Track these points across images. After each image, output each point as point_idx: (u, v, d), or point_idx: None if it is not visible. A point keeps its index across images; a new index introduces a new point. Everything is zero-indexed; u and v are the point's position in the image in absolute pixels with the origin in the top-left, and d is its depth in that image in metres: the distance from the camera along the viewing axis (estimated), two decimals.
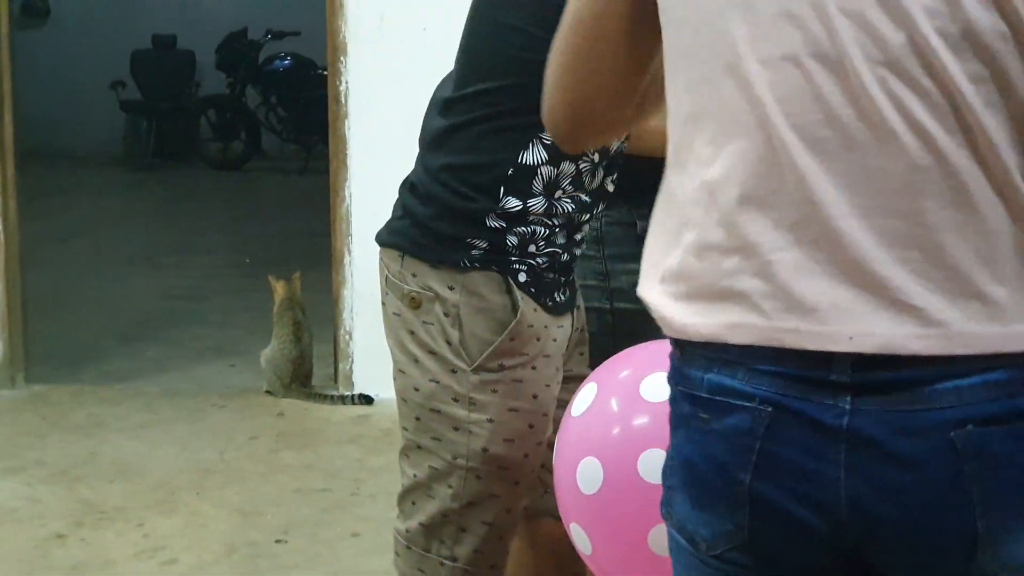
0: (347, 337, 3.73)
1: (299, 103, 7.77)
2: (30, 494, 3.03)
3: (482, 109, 1.48)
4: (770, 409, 0.66)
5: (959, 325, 0.63)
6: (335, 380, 3.77)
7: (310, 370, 3.79)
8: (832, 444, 0.65)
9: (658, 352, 1.13)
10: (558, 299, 1.52)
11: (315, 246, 4.46)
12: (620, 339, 1.55)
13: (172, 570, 2.61)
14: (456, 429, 1.49)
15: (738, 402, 0.67)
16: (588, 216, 1.56)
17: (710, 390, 0.68)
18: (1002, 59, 0.60)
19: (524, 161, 1.46)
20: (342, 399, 3.66)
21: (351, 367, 3.72)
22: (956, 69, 0.60)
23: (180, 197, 7.52)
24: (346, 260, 3.69)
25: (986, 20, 0.59)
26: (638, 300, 0.99)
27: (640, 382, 1.32)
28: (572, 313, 1.57)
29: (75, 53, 8.14)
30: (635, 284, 0.96)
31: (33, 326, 4.01)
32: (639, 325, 1.31)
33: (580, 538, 1.36)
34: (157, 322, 4.79)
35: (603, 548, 1.35)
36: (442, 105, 1.54)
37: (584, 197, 1.53)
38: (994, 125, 0.61)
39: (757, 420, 0.66)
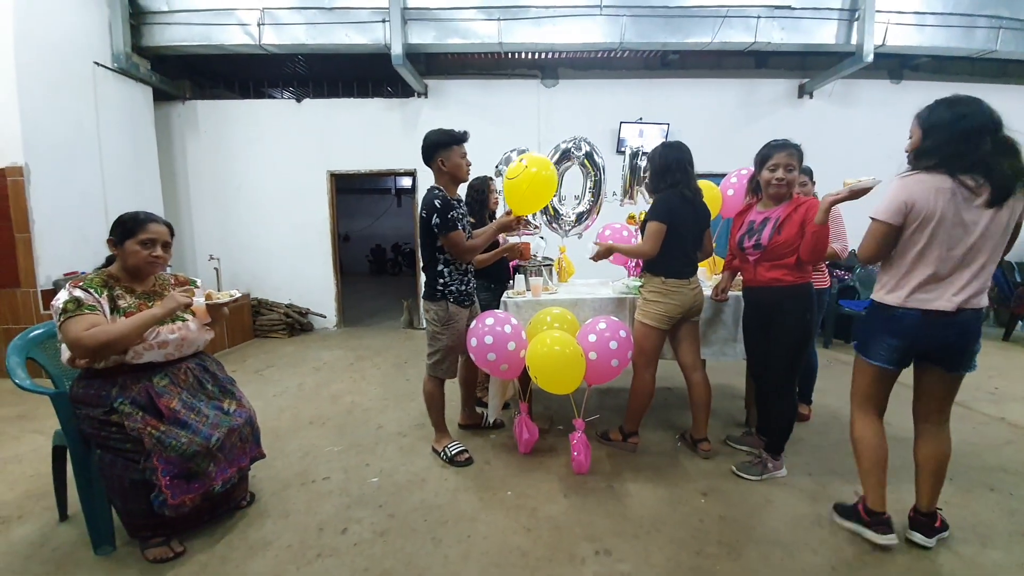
0: (419, 314, 8.28)
1: (409, 259, 17.29)
2: (343, 356, 6.49)
3: (425, 255, 3.31)
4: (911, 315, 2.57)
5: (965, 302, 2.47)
6: (420, 322, 8.23)
7: (412, 321, 8.45)
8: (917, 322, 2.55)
9: (488, 315, 3.43)
10: (466, 302, 3.35)
11: (414, 293, 8.34)
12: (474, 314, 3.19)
13: (377, 371, 5.70)
14: (440, 339, 3.31)
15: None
16: (469, 277, 3.36)
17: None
18: None
19: (439, 267, 3.30)
20: (419, 328, 8.27)
21: (420, 320, 8.17)
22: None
23: (381, 281, 15.29)
24: (420, 297, 7.77)
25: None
26: (480, 302, 3.87)
27: (484, 320, 3.22)
28: (473, 305, 3.44)
29: (358, 249, 18.94)
30: (480, 297, 3.83)
31: (346, 308, 8.80)
32: (486, 308, 3.84)
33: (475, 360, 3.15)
34: (373, 311, 9.73)
35: (479, 364, 3.21)
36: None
37: (467, 272, 3.33)
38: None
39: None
